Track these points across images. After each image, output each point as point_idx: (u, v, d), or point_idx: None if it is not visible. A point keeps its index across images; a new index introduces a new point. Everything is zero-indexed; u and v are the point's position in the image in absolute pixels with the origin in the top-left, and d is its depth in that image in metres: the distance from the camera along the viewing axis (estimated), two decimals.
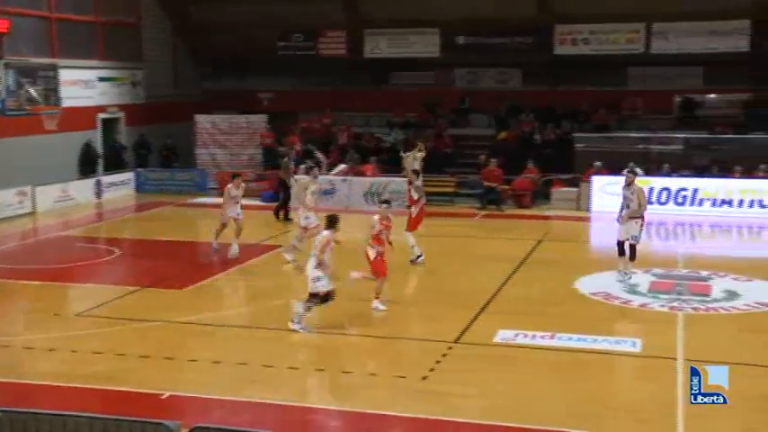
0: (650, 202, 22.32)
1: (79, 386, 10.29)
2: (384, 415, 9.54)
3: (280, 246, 18.32)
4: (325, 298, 12.20)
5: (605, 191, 23.34)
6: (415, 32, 29.06)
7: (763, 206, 22.42)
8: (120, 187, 27.24)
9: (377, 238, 13.38)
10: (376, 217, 13.67)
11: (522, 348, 11.64)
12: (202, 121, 28.67)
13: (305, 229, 16.55)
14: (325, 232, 12.31)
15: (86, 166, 26.69)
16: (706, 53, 26.54)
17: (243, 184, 17.78)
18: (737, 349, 11.59)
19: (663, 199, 22.87)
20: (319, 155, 25.14)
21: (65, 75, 25.80)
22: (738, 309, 13.71)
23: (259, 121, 28.55)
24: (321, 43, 29.99)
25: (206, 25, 31.11)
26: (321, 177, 20.49)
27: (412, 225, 16.92)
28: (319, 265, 12.04)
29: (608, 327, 12.46)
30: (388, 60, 29.75)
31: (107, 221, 23.93)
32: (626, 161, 23.78)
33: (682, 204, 22.88)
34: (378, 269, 13.28)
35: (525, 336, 12.03)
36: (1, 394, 9.84)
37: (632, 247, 15.11)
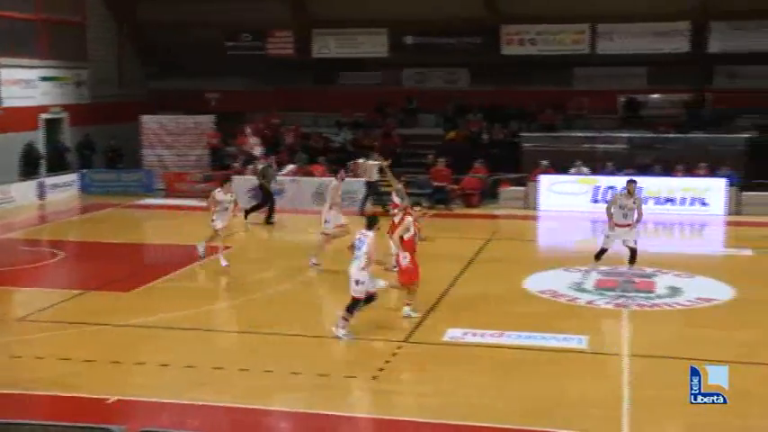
0: (596, 201, 22.85)
1: (22, 392, 10.03)
2: (335, 415, 9.52)
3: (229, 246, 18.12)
4: (367, 300, 12.08)
5: (552, 190, 23.68)
6: (363, 32, 29.11)
7: (704, 204, 22.97)
8: (65, 189, 26.73)
9: (409, 244, 13.08)
10: (410, 218, 13.39)
11: (472, 347, 11.70)
12: (149, 121, 28.31)
13: (327, 234, 16.46)
14: (369, 233, 12.04)
15: (28, 167, 26.14)
16: (650, 54, 27.08)
17: (233, 191, 17.09)
18: (681, 344, 11.86)
19: (608, 197, 23.13)
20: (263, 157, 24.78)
21: (5, 74, 25.27)
22: (681, 305, 13.99)
23: (207, 121, 28.28)
24: (269, 43, 29.85)
25: (152, 25, 30.73)
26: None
27: (392, 229, 16.73)
28: (368, 265, 11.81)
29: (555, 324, 12.58)
30: (336, 60, 29.74)
31: (51, 223, 23.46)
32: (572, 160, 24.26)
33: None
34: (410, 276, 13.02)
35: (474, 334, 12.09)
36: None
37: (634, 251, 14.95)
